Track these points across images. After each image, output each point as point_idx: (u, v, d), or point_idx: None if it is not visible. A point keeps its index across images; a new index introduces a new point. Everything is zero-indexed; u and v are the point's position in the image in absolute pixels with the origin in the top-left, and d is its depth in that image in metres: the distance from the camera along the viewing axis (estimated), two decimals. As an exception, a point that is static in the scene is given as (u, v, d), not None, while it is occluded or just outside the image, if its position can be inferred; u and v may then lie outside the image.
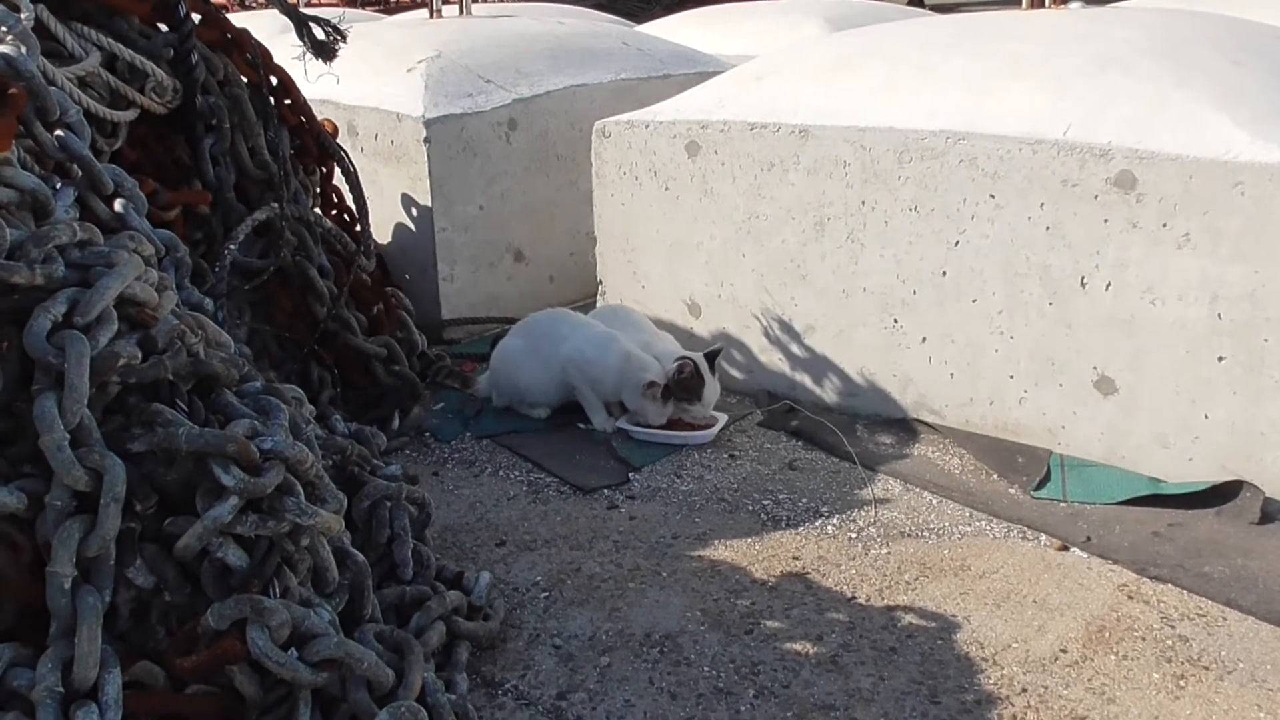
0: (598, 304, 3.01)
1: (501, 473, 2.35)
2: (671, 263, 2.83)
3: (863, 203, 2.43)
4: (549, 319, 2.61)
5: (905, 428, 2.48)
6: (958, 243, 2.31)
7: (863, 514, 2.12)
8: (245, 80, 2.41)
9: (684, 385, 2.41)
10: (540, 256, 3.32)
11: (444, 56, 3.24)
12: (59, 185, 1.61)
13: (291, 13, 2.53)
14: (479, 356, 2.91)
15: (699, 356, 2.44)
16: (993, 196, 2.24)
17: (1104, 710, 1.52)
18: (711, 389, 2.45)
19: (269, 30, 3.06)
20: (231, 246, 2.22)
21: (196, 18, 2.28)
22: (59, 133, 1.67)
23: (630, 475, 2.31)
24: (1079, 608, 1.76)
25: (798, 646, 1.68)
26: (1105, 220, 2.10)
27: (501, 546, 2.02)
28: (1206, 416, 2.06)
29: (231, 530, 1.34)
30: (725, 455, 2.41)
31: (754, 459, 2.39)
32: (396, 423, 2.50)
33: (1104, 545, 1.95)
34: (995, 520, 2.08)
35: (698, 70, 3.63)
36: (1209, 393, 2.04)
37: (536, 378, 2.54)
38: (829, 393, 2.61)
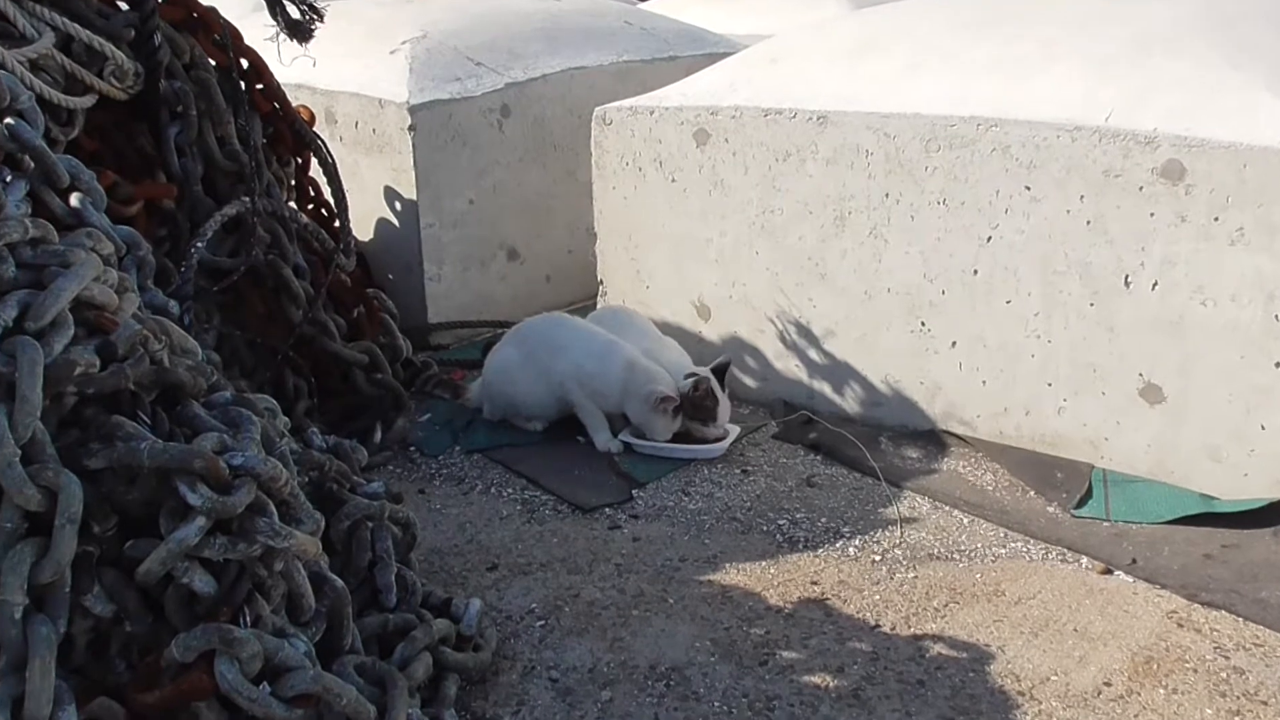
0: (598, 305, 3.01)
1: (494, 490, 2.34)
2: (678, 261, 2.83)
3: (886, 195, 2.42)
4: (545, 325, 2.60)
5: (933, 440, 2.47)
6: (990, 238, 2.31)
7: (887, 534, 2.12)
8: (213, 63, 2.41)
9: (698, 404, 2.41)
10: (536, 255, 3.32)
11: (430, 37, 3.25)
12: (9, 178, 1.61)
13: (264, -10, 2.53)
14: (469, 363, 2.91)
15: (707, 372, 2.43)
16: (1028, 188, 2.23)
17: (1153, 750, 1.52)
18: (724, 408, 2.44)
19: (239, 9, 3.06)
20: (199, 244, 2.22)
21: (161, -5, 2.29)
22: (9, 121, 1.66)
23: (634, 493, 2.30)
24: (1124, 637, 1.75)
25: (817, 679, 1.67)
26: (1151, 214, 2.10)
27: (493, 571, 2.01)
28: (1263, 427, 2.05)
29: (198, 554, 1.33)
30: (737, 470, 2.40)
31: (768, 474, 2.38)
32: (379, 436, 2.50)
33: (1151, 568, 1.94)
34: (1032, 541, 2.07)
35: (707, 51, 3.64)
36: (1265, 401, 2.03)
37: (532, 390, 2.53)
38: (850, 402, 2.61)
